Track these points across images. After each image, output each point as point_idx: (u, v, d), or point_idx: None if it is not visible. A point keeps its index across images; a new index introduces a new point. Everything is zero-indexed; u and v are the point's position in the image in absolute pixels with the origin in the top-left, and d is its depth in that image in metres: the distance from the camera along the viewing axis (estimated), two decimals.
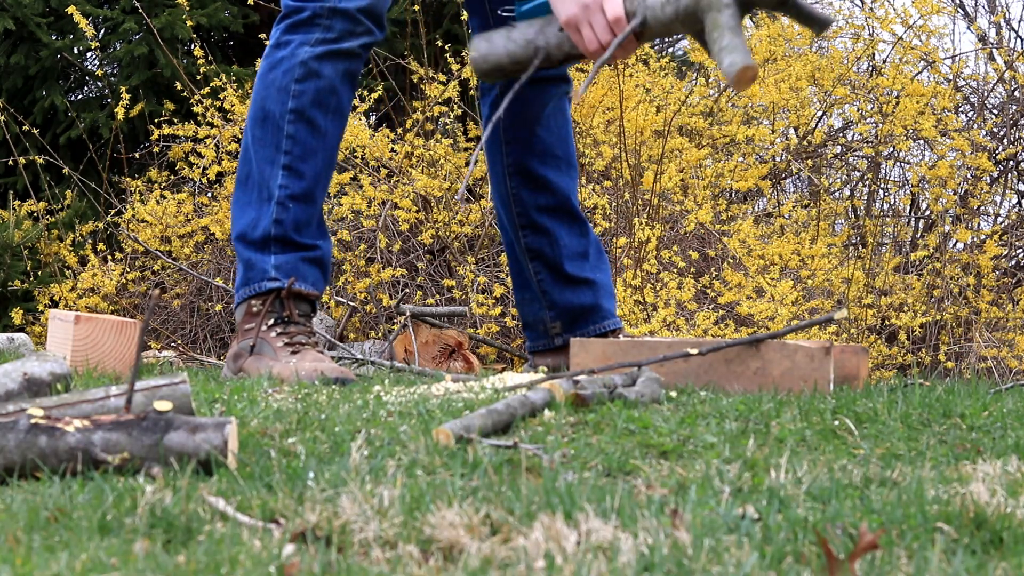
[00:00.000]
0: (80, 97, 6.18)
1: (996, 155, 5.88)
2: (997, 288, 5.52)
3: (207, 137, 5.41)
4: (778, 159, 5.98)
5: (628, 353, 2.81)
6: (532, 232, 3.28)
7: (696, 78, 6.21)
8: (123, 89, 5.52)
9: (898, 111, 5.51)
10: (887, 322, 5.28)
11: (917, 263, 5.54)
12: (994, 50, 6.38)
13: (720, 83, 6.09)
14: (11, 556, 1.62)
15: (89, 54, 6.10)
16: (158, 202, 5.44)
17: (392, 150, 5.33)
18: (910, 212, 6.24)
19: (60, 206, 5.74)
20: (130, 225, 5.45)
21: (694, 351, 2.66)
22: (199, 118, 5.49)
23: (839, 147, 6.26)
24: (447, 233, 5.22)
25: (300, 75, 3.02)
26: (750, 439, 2.17)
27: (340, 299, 5.00)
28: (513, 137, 3.26)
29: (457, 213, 5.25)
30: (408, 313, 4.44)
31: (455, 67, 5.41)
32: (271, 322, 2.98)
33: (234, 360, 3.02)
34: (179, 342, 5.17)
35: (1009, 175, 6.22)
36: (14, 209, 5.62)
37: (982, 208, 5.92)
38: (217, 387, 2.75)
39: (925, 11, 5.65)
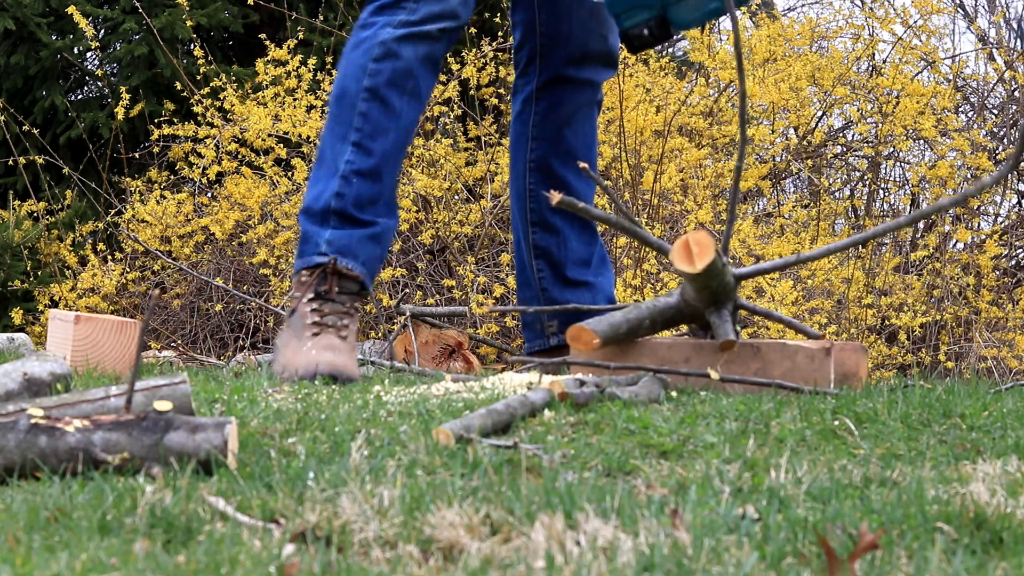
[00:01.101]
0: (80, 97, 6.18)
1: (996, 155, 5.88)
2: (997, 288, 5.52)
3: (207, 137, 5.41)
4: (778, 159, 5.98)
5: (628, 353, 2.81)
6: (542, 230, 3.32)
7: (696, 78, 6.21)
8: (123, 89, 5.52)
9: (898, 111, 5.51)
10: (887, 322, 5.28)
11: (917, 263, 5.54)
12: (994, 50, 6.38)
13: (720, 83, 6.09)
14: (11, 556, 1.62)
15: (89, 54, 6.10)
16: (158, 202, 5.44)
17: None
18: (910, 212, 6.24)
19: (60, 206, 5.74)
20: (130, 225, 5.45)
21: (715, 375, 2.68)
22: (199, 118, 5.49)
23: (839, 147, 6.26)
24: (447, 233, 5.22)
25: (378, 55, 3.02)
26: (750, 439, 2.17)
27: None
28: (540, 134, 3.29)
29: (457, 213, 5.25)
30: (408, 313, 4.44)
31: (455, 67, 5.41)
32: (311, 295, 2.97)
33: (281, 330, 3.07)
34: (179, 342, 5.18)
35: (1009, 175, 6.22)
36: (14, 209, 5.62)
37: (982, 208, 5.92)
38: (217, 387, 2.75)
39: (925, 11, 5.65)
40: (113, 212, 5.62)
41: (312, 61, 5.43)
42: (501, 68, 5.59)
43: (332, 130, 3.06)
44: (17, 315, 5.22)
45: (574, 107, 3.27)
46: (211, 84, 5.53)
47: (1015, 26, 6.92)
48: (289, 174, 5.34)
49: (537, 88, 3.27)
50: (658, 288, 4.95)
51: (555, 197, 2.77)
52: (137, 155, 5.88)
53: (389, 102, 3.02)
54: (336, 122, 3.06)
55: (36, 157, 5.67)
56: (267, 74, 5.42)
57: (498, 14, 5.82)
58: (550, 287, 3.30)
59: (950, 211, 5.69)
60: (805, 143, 6.05)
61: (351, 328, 2.97)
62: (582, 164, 2.99)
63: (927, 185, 5.73)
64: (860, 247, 5.33)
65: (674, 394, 2.56)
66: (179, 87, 5.51)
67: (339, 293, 2.97)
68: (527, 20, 3.28)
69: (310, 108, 5.38)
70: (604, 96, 3.33)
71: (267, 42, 5.45)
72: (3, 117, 5.65)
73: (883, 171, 6.29)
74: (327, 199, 3.01)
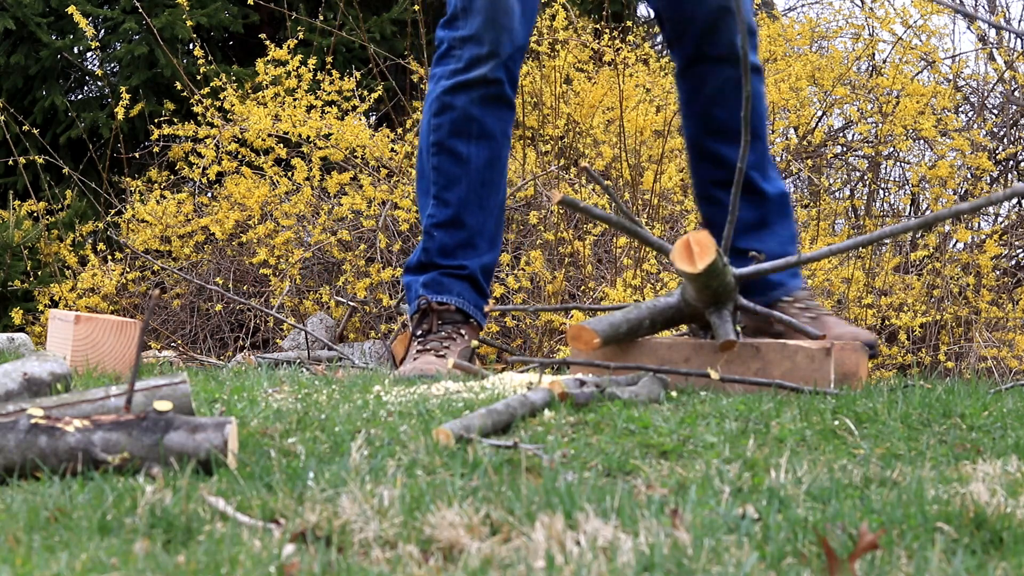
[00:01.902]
0: (80, 97, 6.18)
1: (996, 155, 5.88)
2: (997, 288, 5.52)
3: (207, 137, 5.41)
4: (778, 159, 5.98)
5: (628, 353, 2.81)
6: (707, 204, 3.36)
7: None
8: (123, 89, 5.52)
9: (898, 111, 5.51)
10: (887, 322, 5.28)
11: (917, 263, 5.54)
12: (994, 50, 6.38)
13: None
14: (11, 556, 1.62)
15: (89, 54, 6.10)
16: (158, 202, 5.44)
17: (392, 150, 5.33)
18: (910, 212, 6.24)
19: (60, 206, 5.73)
20: (130, 225, 5.45)
21: (715, 375, 2.67)
22: (199, 118, 5.48)
23: (839, 147, 6.26)
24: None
25: (436, 110, 3.24)
26: (750, 439, 2.17)
27: (340, 299, 5.00)
28: (689, 113, 3.33)
29: None
30: (408, 313, 4.44)
31: None
32: (418, 334, 3.27)
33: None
34: (179, 342, 5.18)
35: (1009, 175, 6.22)
36: (14, 209, 5.61)
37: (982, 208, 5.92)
38: (217, 387, 2.75)
39: (925, 11, 5.65)
40: (113, 212, 5.62)
41: (312, 61, 5.43)
42: None
43: (418, 186, 3.34)
44: (17, 315, 5.22)
45: (718, 84, 3.26)
46: (211, 84, 5.53)
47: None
48: (289, 174, 5.34)
49: (680, 70, 3.33)
50: (658, 288, 4.95)
51: (555, 197, 2.77)
52: (137, 155, 5.88)
53: (456, 151, 3.23)
54: (420, 177, 3.33)
55: (36, 157, 5.67)
56: (267, 74, 5.42)
57: None
58: None
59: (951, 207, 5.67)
60: (805, 143, 6.05)
61: (452, 348, 3.21)
62: (582, 164, 2.99)
63: (927, 185, 5.73)
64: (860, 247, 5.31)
65: (674, 394, 2.56)
66: (179, 87, 5.51)
67: (442, 324, 3.25)
68: (654, 6, 3.35)
69: (310, 108, 5.38)
70: (762, 65, 3.32)
71: (267, 42, 5.45)
72: (3, 117, 5.65)
73: (883, 171, 6.29)
74: (418, 255, 3.30)
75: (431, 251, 3.27)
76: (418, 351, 3.23)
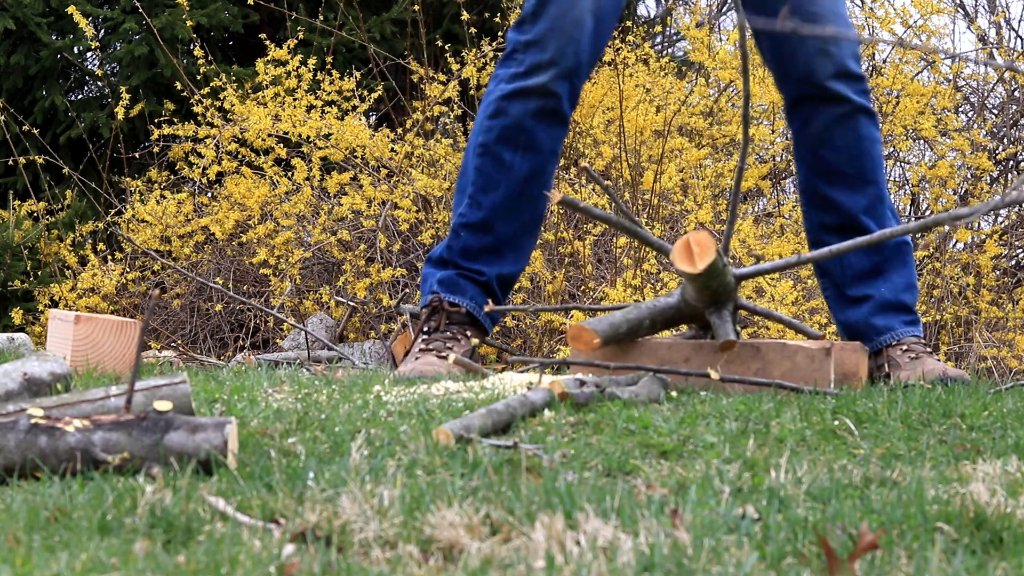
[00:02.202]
0: (80, 97, 6.18)
1: (996, 155, 5.89)
2: (997, 288, 5.52)
3: (207, 137, 5.41)
4: (778, 159, 5.98)
5: (628, 353, 2.81)
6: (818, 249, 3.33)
7: (696, 78, 6.21)
8: (123, 89, 5.52)
9: (898, 111, 5.51)
10: None
11: (917, 263, 5.54)
12: (994, 50, 6.38)
13: (720, 83, 6.09)
14: (11, 556, 1.62)
15: (89, 54, 6.09)
16: (158, 202, 5.44)
17: (392, 150, 5.33)
18: (910, 212, 6.24)
19: (60, 206, 5.73)
20: (130, 225, 5.45)
21: (715, 375, 2.67)
22: (199, 118, 5.48)
23: None
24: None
25: (491, 112, 3.24)
26: (750, 439, 2.17)
27: (340, 299, 5.00)
28: (800, 156, 3.32)
29: None
30: (408, 313, 4.44)
31: (455, 67, 5.41)
32: (424, 329, 3.28)
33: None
34: (179, 342, 5.18)
35: (1009, 175, 6.23)
36: (14, 209, 5.61)
37: None
38: (217, 387, 2.75)
39: (925, 11, 5.64)
40: (113, 212, 5.61)
41: (312, 61, 5.43)
42: None
43: (458, 182, 3.35)
44: (17, 315, 5.22)
45: (823, 123, 3.25)
46: (211, 84, 5.52)
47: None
48: (289, 174, 5.34)
49: (787, 111, 3.32)
50: (658, 288, 4.95)
51: (555, 197, 2.77)
52: (137, 155, 5.87)
53: (501, 157, 3.23)
54: (461, 174, 3.33)
55: (36, 157, 5.67)
56: (267, 74, 5.42)
57: (498, 14, 5.82)
58: (833, 306, 3.33)
59: (950, 211, 5.67)
60: None
61: (455, 349, 3.23)
62: (582, 164, 2.99)
63: (927, 185, 5.73)
64: None
65: (674, 394, 2.56)
66: (179, 87, 5.51)
67: (449, 324, 3.26)
68: (760, 47, 3.34)
69: (310, 108, 5.38)
70: (872, 106, 3.30)
71: (267, 42, 5.45)
72: (3, 117, 5.65)
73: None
74: (441, 249, 3.32)
75: (454, 249, 3.29)
76: (420, 350, 3.24)
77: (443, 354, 3.20)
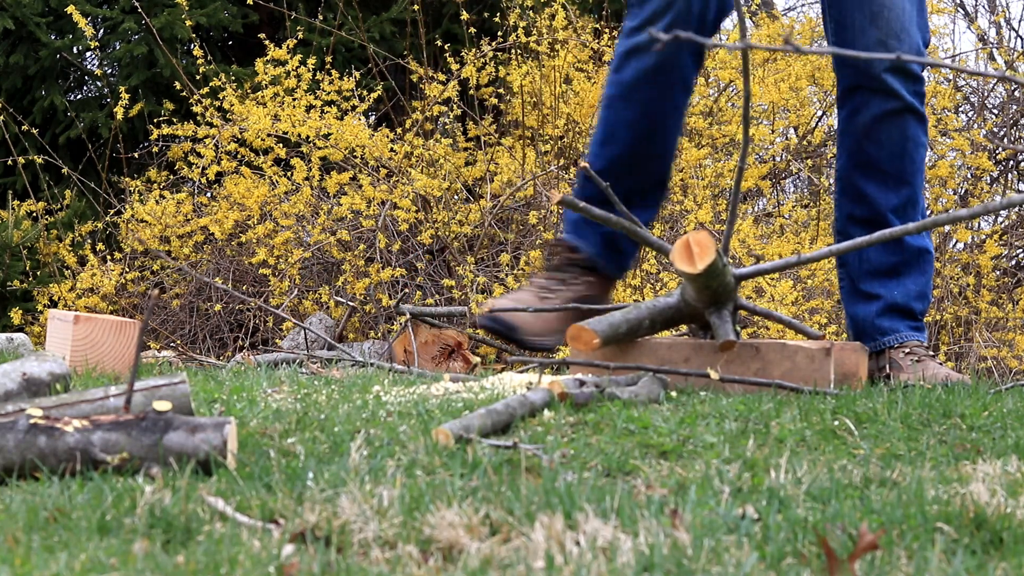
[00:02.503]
0: (79, 97, 6.18)
1: (996, 155, 5.88)
2: (997, 288, 5.52)
3: (206, 137, 5.41)
4: (778, 159, 5.98)
5: (628, 353, 2.81)
6: (843, 240, 3.28)
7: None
8: (122, 89, 5.52)
9: None
10: None
11: None
12: (994, 50, 6.38)
13: (720, 83, 6.09)
14: (11, 556, 1.61)
15: (89, 54, 6.09)
16: (157, 202, 5.44)
17: (391, 150, 5.33)
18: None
19: (59, 206, 5.73)
20: (130, 225, 5.45)
21: (715, 375, 2.67)
22: (198, 118, 5.48)
23: None
24: (447, 233, 5.22)
25: (615, 66, 3.25)
26: (750, 439, 2.16)
27: (340, 299, 5.00)
28: (841, 144, 3.31)
29: (457, 213, 5.25)
30: (408, 313, 4.44)
31: (454, 67, 5.40)
32: (546, 265, 3.32)
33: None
34: (179, 342, 5.17)
35: (1009, 175, 6.23)
36: (13, 209, 5.61)
37: None
38: (216, 387, 2.75)
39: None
40: (112, 212, 5.61)
41: (311, 61, 5.43)
42: (501, 68, 5.59)
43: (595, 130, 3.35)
44: (16, 315, 5.22)
45: (872, 116, 3.22)
46: (210, 84, 5.52)
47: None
48: (289, 174, 5.34)
49: (839, 97, 3.29)
50: (658, 288, 4.95)
51: (555, 197, 2.76)
52: (136, 155, 5.87)
53: (619, 112, 3.23)
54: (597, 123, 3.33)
55: (35, 157, 5.67)
56: (266, 74, 5.42)
57: (497, 14, 5.82)
58: (846, 298, 3.32)
59: (950, 211, 5.67)
60: (805, 143, 6.05)
61: (558, 294, 3.23)
62: (582, 163, 2.99)
63: (927, 185, 5.73)
64: None
65: (674, 394, 2.56)
66: (178, 87, 5.51)
67: (568, 266, 3.24)
68: (825, 28, 3.32)
69: (309, 108, 5.38)
70: (924, 109, 3.26)
71: (266, 42, 5.45)
72: (3, 117, 5.65)
73: None
74: (576, 189, 3.30)
75: (576, 194, 3.24)
76: (530, 284, 3.26)
77: (543, 295, 3.20)
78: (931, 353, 3.26)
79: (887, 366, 3.24)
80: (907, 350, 3.23)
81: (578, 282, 3.25)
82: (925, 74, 3.25)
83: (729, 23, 6.64)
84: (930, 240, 3.33)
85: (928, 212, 3.55)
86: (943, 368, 3.18)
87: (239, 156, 5.43)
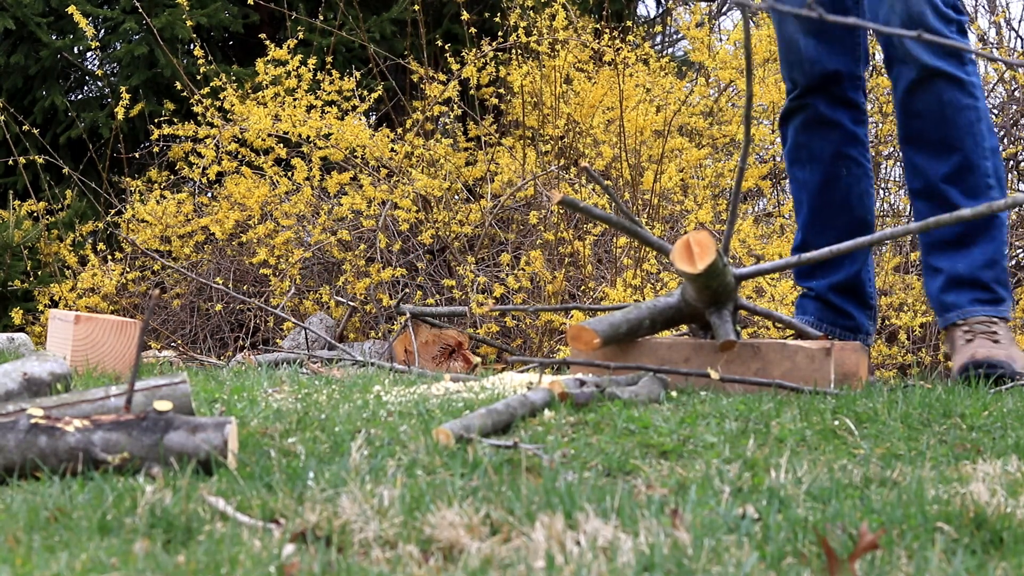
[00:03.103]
0: (80, 97, 6.18)
1: None
2: None
3: (207, 137, 5.41)
4: (778, 159, 5.98)
5: (628, 353, 2.81)
6: (914, 211, 3.33)
7: (696, 78, 6.21)
8: (123, 89, 5.52)
9: None
10: (887, 322, 5.28)
11: (917, 263, 5.54)
12: (994, 50, 6.38)
13: (720, 83, 6.09)
14: (11, 556, 1.62)
15: (89, 54, 6.09)
16: (158, 202, 5.44)
17: (392, 150, 5.33)
18: (910, 212, 6.24)
19: (60, 206, 5.73)
20: (130, 225, 5.45)
21: (715, 375, 2.67)
22: (199, 118, 5.48)
23: None
24: (447, 233, 5.22)
25: (782, 139, 3.48)
26: (750, 439, 2.17)
27: (340, 299, 5.00)
28: (896, 117, 3.32)
29: (457, 213, 5.25)
30: (408, 313, 4.44)
31: (455, 67, 5.41)
32: None
33: None
34: (179, 342, 5.18)
35: (1009, 175, 6.22)
36: (14, 209, 5.61)
37: None
38: (217, 387, 2.75)
39: None
40: (113, 212, 5.61)
41: (312, 61, 5.43)
42: (501, 68, 5.59)
43: None
44: (17, 315, 5.22)
45: (904, 86, 3.20)
46: (211, 84, 5.52)
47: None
48: (289, 174, 5.34)
49: (887, 69, 3.31)
50: (658, 288, 4.95)
51: (555, 197, 2.76)
52: (137, 155, 5.87)
53: (796, 177, 3.43)
54: None
55: (36, 157, 5.67)
56: (267, 74, 5.42)
57: (498, 14, 5.82)
58: (924, 276, 3.31)
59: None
60: None
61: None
62: (582, 164, 2.99)
63: None
64: None
65: (674, 394, 2.56)
66: (179, 87, 5.51)
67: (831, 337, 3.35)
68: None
69: (310, 108, 5.38)
70: (960, 71, 3.18)
71: (267, 42, 5.45)
72: (3, 117, 5.65)
73: (883, 171, 6.29)
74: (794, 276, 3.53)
75: (795, 274, 3.48)
76: None
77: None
78: (993, 329, 3.16)
79: (951, 348, 3.19)
80: (966, 328, 3.15)
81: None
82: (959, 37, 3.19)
83: (730, 23, 6.65)
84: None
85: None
86: (986, 347, 3.09)
87: (240, 156, 5.43)
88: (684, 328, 3.01)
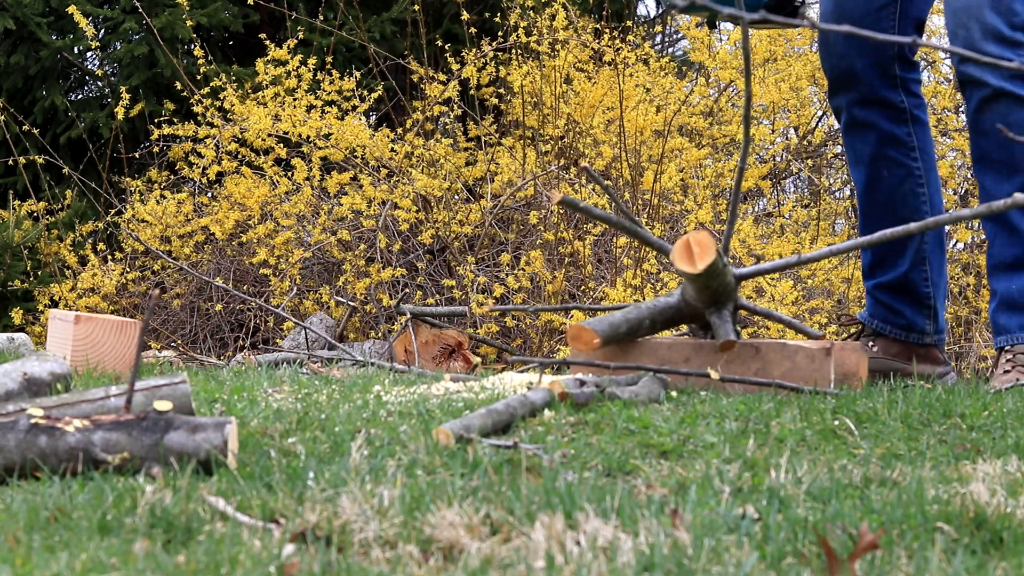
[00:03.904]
0: (80, 97, 6.18)
1: None
2: None
3: (207, 137, 5.41)
4: (778, 159, 5.98)
5: (628, 353, 2.81)
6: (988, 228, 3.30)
7: (696, 78, 6.21)
8: (123, 89, 5.52)
9: None
10: None
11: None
12: None
13: (720, 83, 6.09)
14: (11, 556, 1.62)
15: (89, 54, 6.09)
16: (158, 202, 5.44)
17: (392, 150, 5.33)
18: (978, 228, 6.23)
19: (60, 206, 5.73)
20: (130, 225, 5.45)
21: (715, 375, 2.67)
22: (199, 118, 5.48)
23: (839, 147, 6.26)
24: (447, 233, 5.22)
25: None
26: (750, 439, 2.17)
27: (340, 299, 5.00)
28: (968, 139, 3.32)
29: (457, 213, 5.26)
30: (408, 313, 4.44)
31: (455, 67, 5.41)
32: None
33: None
34: (179, 342, 5.18)
35: None
36: (14, 209, 5.61)
37: None
38: (217, 387, 2.75)
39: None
40: (113, 212, 5.61)
41: (312, 61, 5.43)
42: (501, 68, 5.60)
43: None
44: (17, 315, 5.22)
45: (972, 107, 3.18)
46: (211, 84, 5.52)
47: None
48: (289, 174, 5.34)
49: (960, 88, 3.27)
50: (658, 288, 4.95)
51: (555, 197, 2.77)
52: (137, 155, 5.87)
53: (853, 177, 3.45)
54: None
55: (36, 157, 5.67)
56: (267, 74, 5.42)
57: (498, 14, 5.83)
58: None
59: (950, 211, 5.67)
60: (805, 143, 6.05)
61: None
62: (582, 164, 2.99)
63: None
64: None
65: (674, 394, 2.56)
66: (179, 87, 5.51)
67: (862, 335, 3.44)
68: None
69: (310, 108, 5.38)
70: (1003, 92, 3.15)
71: (267, 42, 5.45)
72: (3, 117, 5.65)
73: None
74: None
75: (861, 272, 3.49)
76: None
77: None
78: None
79: (993, 370, 3.16)
80: (1010, 356, 3.12)
81: (868, 346, 3.39)
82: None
83: (729, 23, 6.62)
84: None
85: None
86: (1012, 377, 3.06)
87: (240, 156, 5.43)
88: (684, 328, 3.01)
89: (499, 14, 5.82)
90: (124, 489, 1.85)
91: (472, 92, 5.57)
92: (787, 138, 6.21)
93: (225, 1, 5.88)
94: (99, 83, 6.09)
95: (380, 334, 4.97)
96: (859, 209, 3.44)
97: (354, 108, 5.44)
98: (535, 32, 5.57)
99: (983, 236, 5.68)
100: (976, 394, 2.71)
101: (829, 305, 5.09)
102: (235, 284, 5.31)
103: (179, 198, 5.44)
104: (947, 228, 5.59)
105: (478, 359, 4.57)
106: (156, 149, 5.82)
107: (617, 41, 5.65)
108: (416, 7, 5.62)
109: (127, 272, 5.37)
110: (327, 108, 5.35)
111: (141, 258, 5.46)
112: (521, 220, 5.31)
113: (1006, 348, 3.11)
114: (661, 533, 1.64)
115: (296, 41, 5.47)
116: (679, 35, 7.58)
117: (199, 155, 5.44)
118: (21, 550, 1.64)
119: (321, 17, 5.71)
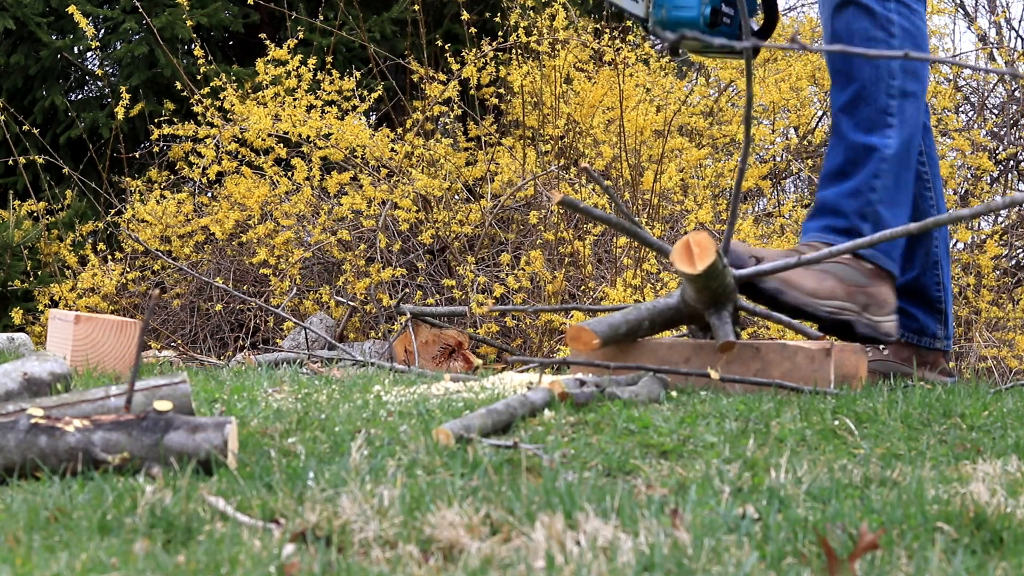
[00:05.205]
0: (80, 97, 6.18)
1: (996, 155, 5.88)
2: (997, 288, 5.52)
3: (207, 137, 5.41)
4: (778, 159, 5.98)
5: (628, 353, 2.81)
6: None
7: (696, 78, 6.21)
8: (123, 89, 5.52)
9: None
10: None
11: None
12: (994, 50, 6.38)
13: (720, 83, 6.09)
14: (11, 556, 1.62)
15: (89, 54, 6.09)
16: (158, 202, 5.44)
17: (392, 150, 5.33)
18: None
19: (60, 206, 5.73)
20: (130, 225, 5.45)
21: (715, 375, 2.67)
22: (199, 118, 5.48)
23: None
24: (447, 233, 5.22)
25: None
26: (750, 439, 2.17)
27: (340, 299, 5.00)
28: None
29: (457, 213, 5.26)
30: (408, 313, 4.44)
31: (455, 67, 5.41)
32: None
33: None
34: (179, 342, 5.18)
35: (1009, 175, 6.22)
36: (14, 209, 5.61)
37: None
38: (217, 387, 2.75)
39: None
40: (113, 212, 5.62)
41: (312, 61, 5.43)
42: (501, 68, 5.59)
43: None
44: (17, 315, 5.22)
45: (825, 17, 3.22)
46: (211, 84, 5.52)
47: None
48: (289, 174, 5.34)
49: None
50: (658, 288, 4.95)
51: (555, 197, 2.77)
52: (137, 155, 5.87)
53: None
54: None
55: (36, 157, 5.67)
56: (267, 74, 5.42)
57: (498, 14, 5.83)
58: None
59: (950, 211, 5.67)
60: (805, 143, 6.05)
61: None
62: (582, 164, 2.98)
63: None
64: None
65: (674, 394, 2.56)
66: (179, 87, 5.51)
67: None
68: None
69: (310, 108, 5.38)
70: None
71: (267, 42, 5.45)
72: (3, 117, 5.65)
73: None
74: None
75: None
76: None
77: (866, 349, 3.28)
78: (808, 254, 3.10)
79: None
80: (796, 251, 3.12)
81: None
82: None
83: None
84: (876, 137, 3.16)
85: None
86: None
87: (240, 156, 5.44)
88: (684, 328, 3.01)
89: (499, 14, 5.82)
90: (124, 489, 1.85)
91: (472, 92, 5.57)
92: (787, 138, 6.21)
93: (225, 1, 5.88)
94: (99, 83, 6.09)
95: (380, 334, 4.97)
96: None
97: (354, 108, 5.44)
98: (535, 32, 5.58)
99: (983, 236, 5.68)
100: (976, 394, 2.71)
101: None
102: (235, 284, 5.31)
103: (179, 198, 5.44)
104: (947, 228, 5.59)
105: (478, 359, 4.57)
106: (156, 149, 5.83)
107: (617, 41, 5.65)
108: (416, 7, 5.62)
109: (127, 272, 5.37)
110: (327, 108, 5.35)
111: (141, 258, 5.46)
112: (521, 220, 5.31)
113: (798, 247, 3.12)
114: (661, 533, 1.64)
115: (296, 41, 5.47)
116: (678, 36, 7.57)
117: (199, 155, 5.44)
118: (21, 550, 1.64)
119: (321, 17, 5.71)
